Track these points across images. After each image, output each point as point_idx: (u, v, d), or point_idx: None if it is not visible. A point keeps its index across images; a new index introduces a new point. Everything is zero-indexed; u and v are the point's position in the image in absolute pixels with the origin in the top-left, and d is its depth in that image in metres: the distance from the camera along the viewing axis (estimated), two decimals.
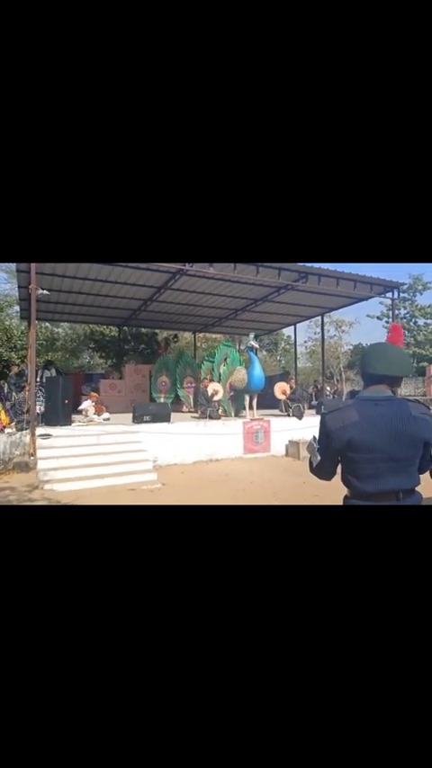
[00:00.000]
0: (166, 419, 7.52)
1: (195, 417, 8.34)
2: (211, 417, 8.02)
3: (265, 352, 24.86)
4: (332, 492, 1.66)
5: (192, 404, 9.72)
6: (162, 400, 9.93)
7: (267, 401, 9.70)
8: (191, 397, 9.96)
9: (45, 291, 7.21)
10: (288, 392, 9.45)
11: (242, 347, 9.45)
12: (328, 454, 1.38)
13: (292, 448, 8.00)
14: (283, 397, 9.41)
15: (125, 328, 14.51)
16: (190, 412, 9.61)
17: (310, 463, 1.47)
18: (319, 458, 1.41)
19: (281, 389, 9.57)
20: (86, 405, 8.08)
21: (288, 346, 25.59)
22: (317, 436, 1.41)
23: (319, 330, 13.77)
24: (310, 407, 10.22)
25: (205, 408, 8.18)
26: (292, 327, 14.30)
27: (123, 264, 7.86)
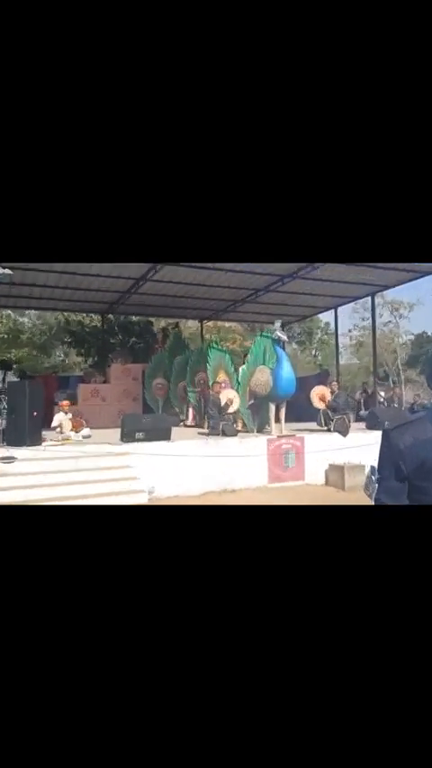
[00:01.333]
0: (165, 436, 7.57)
1: (203, 433, 8.38)
2: (224, 433, 8.04)
3: (295, 346, 24.86)
4: None
5: (201, 412, 9.73)
6: (185, 410, 10.14)
7: (299, 411, 9.68)
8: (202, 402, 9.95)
9: (8, 271, 7.31)
10: (328, 398, 9.35)
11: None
12: (396, 486, 1.31)
13: (334, 474, 7.98)
14: (322, 406, 9.30)
15: (110, 316, 14.69)
16: (196, 426, 9.64)
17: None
18: (378, 486, 1.33)
19: (319, 395, 9.50)
20: (60, 418, 8.15)
21: (326, 337, 25.55)
22: (375, 467, 1.37)
23: (368, 315, 13.75)
24: (358, 419, 10.16)
25: (217, 422, 8.21)
26: (332, 312, 14.31)
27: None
